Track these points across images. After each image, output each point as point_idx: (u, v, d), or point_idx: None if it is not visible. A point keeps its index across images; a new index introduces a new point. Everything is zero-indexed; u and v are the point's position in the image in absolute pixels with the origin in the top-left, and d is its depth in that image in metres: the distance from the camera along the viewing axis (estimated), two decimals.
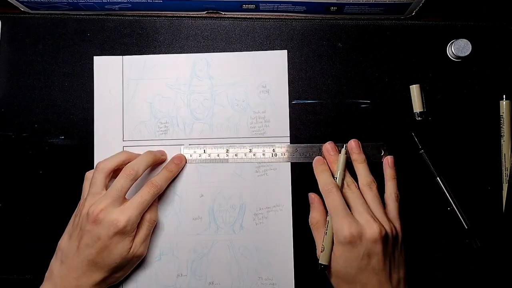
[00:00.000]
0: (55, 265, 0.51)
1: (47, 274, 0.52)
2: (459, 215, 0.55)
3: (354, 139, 0.55)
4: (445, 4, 0.58)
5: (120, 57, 0.58)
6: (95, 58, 0.58)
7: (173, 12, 0.59)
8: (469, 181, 0.56)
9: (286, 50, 0.57)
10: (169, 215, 0.56)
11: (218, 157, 0.56)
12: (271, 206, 0.56)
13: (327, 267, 0.50)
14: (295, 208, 0.56)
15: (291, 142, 0.57)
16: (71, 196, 0.57)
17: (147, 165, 0.54)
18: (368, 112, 0.57)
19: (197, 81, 0.57)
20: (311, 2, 0.54)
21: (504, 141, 0.56)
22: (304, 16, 0.58)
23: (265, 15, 0.59)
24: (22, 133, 0.58)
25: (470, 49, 0.55)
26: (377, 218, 0.50)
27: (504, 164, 0.56)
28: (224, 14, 0.59)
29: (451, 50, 0.56)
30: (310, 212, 0.54)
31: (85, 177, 0.54)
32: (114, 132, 0.57)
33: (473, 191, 0.56)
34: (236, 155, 0.56)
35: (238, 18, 0.58)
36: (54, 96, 0.58)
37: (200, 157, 0.57)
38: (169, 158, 0.57)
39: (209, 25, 0.58)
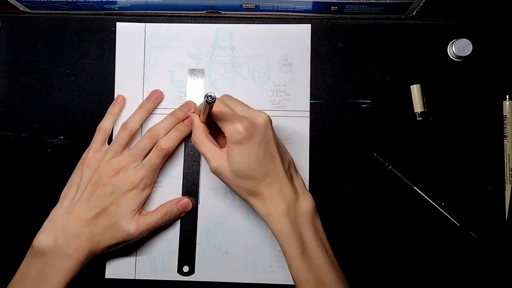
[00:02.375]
0: (58, 214, 0.52)
1: (46, 222, 0.52)
2: (448, 215, 0.55)
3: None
4: (446, 4, 0.57)
5: (143, 24, 0.58)
6: (118, 24, 0.58)
7: (173, 12, 0.58)
8: (470, 181, 0.56)
9: (310, 24, 0.57)
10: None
11: None
12: None
13: (223, 172, 0.49)
14: (312, 180, 0.56)
15: (311, 117, 0.57)
16: None
17: (169, 129, 0.55)
18: (368, 112, 0.57)
19: (219, 51, 0.57)
20: (311, 2, 0.54)
21: (508, 141, 0.56)
22: (304, 16, 0.58)
23: (265, 15, 0.59)
24: (22, 133, 0.58)
25: (471, 49, 0.55)
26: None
27: (507, 164, 0.56)
28: (224, 14, 0.59)
29: (452, 50, 0.56)
30: (192, 135, 0.52)
31: (98, 128, 0.55)
32: (134, 100, 0.57)
33: (473, 191, 0.56)
34: None
35: (238, 18, 0.58)
36: (54, 96, 0.58)
37: None
38: None
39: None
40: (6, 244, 0.57)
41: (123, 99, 0.57)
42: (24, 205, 0.57)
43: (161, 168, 0.55)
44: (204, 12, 0.58)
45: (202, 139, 0.51)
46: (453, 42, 0.56)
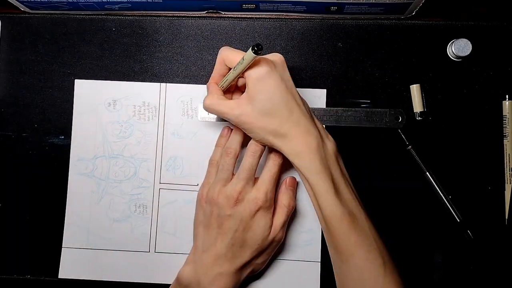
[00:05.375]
0: (197, 254, 0.52)
1: (189, 257, 0.53)
2: (451, 208, 0.55)
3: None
4: (446, 4, 0.58)
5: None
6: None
7: (173, 12, 0.58)
8: (469, 181, 0.56)
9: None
10: None
11: None
12: None
13: (247, 116, 0.48)
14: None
15: None
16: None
17: None
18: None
19: None
20: (311, 2, 0.54)
21: (508, 141, 0.56)
22: (304, 16, 0.58)
23: (265, 15, 0.59)
24: (22, 133, 0.58)
25: (470, 49, 0.55)
26: None
27: (507, 164, 0.56)
28: (224, 14, 0.59)
29: (451, 50, 0.56)
30: (205, 99, 0.50)
31: (209, 162, 0.55)
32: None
33: (473, 191, 0.56)
34: None
35: (238, 18, 0.58)
36: (54, 96, 0.58)
37: None
38: None
39: (209, 25, 0.58)
40: (6, 244, 0.57)
41: (229, 131, 0.55)
42: (24, 205, 0.57)
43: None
44: (204, 12, 0.58)
45: (215, 100, 0.49)
46: (452, 42, 0.56)
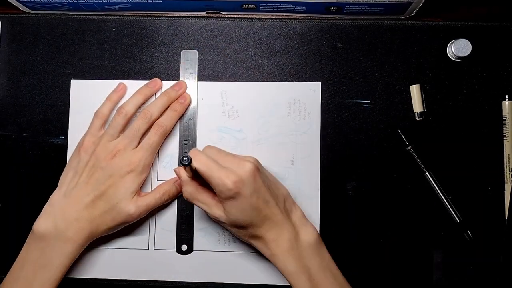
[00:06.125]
0: (57, 198, 0.52)
1: (46, 206, 0.53)
2: (451, 208, 0.55)
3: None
4: (445, 4, 0.58)
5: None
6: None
7: (173, 12, 0.59)
8: (469, 181, 0.56)
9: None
10: None
11: None
12: None
13: (223, 221, 0.49)
14: None
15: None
16: None
17: (163, 108, 0.55)
18: (368, 112, 0.57)
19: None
20: (311, 2, 0.54)
21: (507, 141, 0.56)
22: (304, 16, 0.58)
23: (265, 15, 0.59)
24: (22, 133, 0.58)
25: (470, 49, 0.55)
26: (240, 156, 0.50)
27: (507, 164, 0.56)
28: (224, 14, 0.59)
29: (451, 50, 0.56)
30: (183, 191, 0.51)
31: (95, 113, 0.55)
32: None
33: (473, 191, 0.56)
34: None
35: (238, 18, 0.58)
36: (54, 96, 0.58)
37: None
38: None
39: (209, 25, 0.58)
40: (6, 244, 0.57)
41: (124, 87, 0.57)
42: (24, 205, 0.57)
43: (157, 150, 0.55)
44: (204, 12, 0.58)
45: (194, 194, 0.50)
46: (452, 43, 0.56)
